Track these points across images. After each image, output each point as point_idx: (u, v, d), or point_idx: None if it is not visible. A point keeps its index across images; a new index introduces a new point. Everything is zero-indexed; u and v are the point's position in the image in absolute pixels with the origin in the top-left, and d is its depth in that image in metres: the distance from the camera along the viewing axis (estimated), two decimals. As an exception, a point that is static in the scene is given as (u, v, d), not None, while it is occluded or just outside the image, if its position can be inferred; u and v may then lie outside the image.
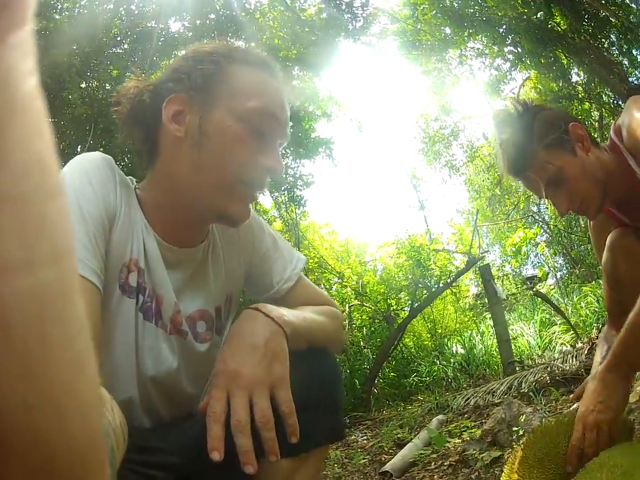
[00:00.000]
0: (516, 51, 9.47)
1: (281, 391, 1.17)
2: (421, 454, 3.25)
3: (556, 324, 6.95)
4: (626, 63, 8.99)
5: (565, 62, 9.13)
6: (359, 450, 3.88)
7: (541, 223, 14.09)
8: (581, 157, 1.82)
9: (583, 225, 11.70)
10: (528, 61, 9.24)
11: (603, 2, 7.59)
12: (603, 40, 8.63)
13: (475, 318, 11.04)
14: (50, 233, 0.34)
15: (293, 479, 1.39)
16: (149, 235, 1.31)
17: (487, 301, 6.74)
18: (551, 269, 12.46)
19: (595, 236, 2.18)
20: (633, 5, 7.92)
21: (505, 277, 14.50)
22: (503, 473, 1.63)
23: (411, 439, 3.77)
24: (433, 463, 3.12)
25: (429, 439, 3.55)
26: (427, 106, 16.14)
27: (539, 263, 15.01)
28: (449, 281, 7.86)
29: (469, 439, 3.34)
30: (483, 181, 15.94)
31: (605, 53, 8.55)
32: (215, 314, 1.44)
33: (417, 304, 7.60)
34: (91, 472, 0.38)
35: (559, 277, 12.50)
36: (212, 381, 1.16)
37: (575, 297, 8.28)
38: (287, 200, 8.25)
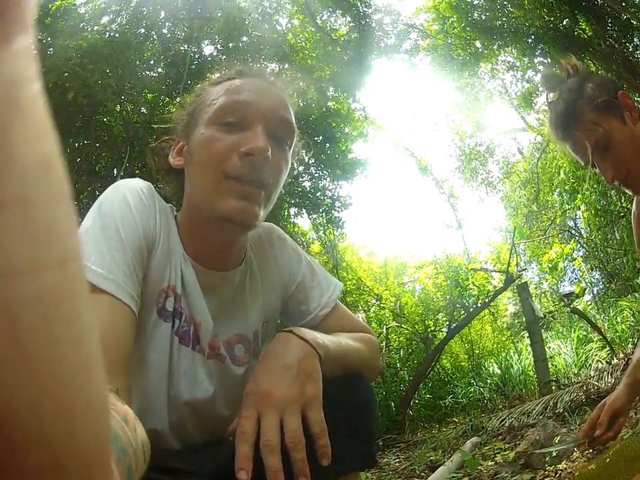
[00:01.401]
0: (546, 61, 9.39)
1: (313, 411, 1.15)
2: (453, 477, 3.22)
3: (592, 341, 6.82)
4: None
5: (593, 69, 9.05)
6: (391, 472, 3.85)
7: (577, 237, 13.88)
8: (629, 126, 1.78)
9: (618, 238, 11.49)
10: (558, 71, 9.15)
11: (624, 4, 7.52)
12: (627, 44, 8.55)
13: (512, 337, 10.90)
14: (56, 235, 0.34)
15: None
16: (185, 261, 1.33)
17: (524, 319, 6.64)
18: (588, 284, 12.24)
19: (638, 229, 2.13)
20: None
21: (542, 295, 14.30)
22: None
23: (444, 462, 3.72)
24: (464, 487, 3.08)
25: (462, 462, 3.51)
26: (462, 123, 16.15)
27: (575, 278, 14.77)
28: (486, 300, 7.78)
29: (502, 461, 3.31)
30: (520, 197, 15.75)
31: (630, 57, 8.45)
32: (252, 338, 1.44)
33: (454, 324, 7.53)
34: (96, 474, 0.39)
35: (595, 292, 12.27)
36: (243, 402, 1.15)
37: (611, 311, 8.12)
38: (324, 222, 8.26)
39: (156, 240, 1.28)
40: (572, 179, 11.26)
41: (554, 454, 2.88)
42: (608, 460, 1.63)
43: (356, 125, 9.18)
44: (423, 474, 3.66)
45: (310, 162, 7.48)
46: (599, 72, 8.45)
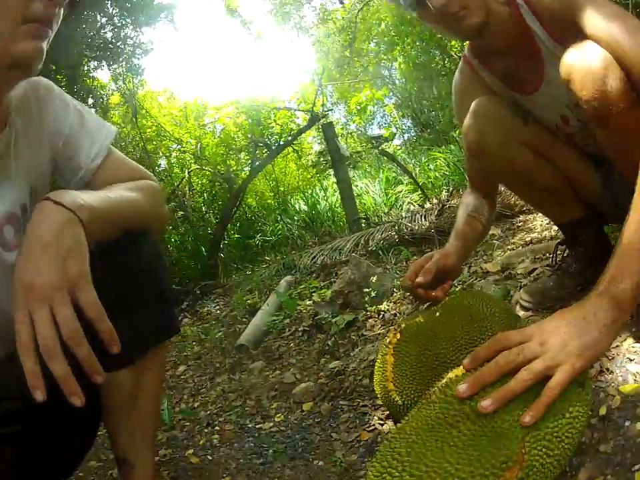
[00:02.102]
0: None
1: (82, 293, 1.01)
2: (274, 320, 3.26)
3: (402, 183, 7.09)
4: None
5: None
6: (213, 322, 3.86)
7: (390, 86, 14.24)
8: None
9: (435, 94, 11.92)
10: None
11: None
12: None
13: (318, 175, 11.17)
14: None
15: (140, 384, 1.34)
16: None
17: (330, 158, 6.72)
18: (399, 130, 12.71)
19: (460, 99, 2.10)
20: None
21: (349, 135, 14.70)
22: (376, 370, 1.63)
23: (262, 305, 3.76)
24: (287, 329, 3.14)
25: (280, 303, 3.54)
26: None
27: (385, 123, 15.33)
28: (289, 138, 7.73)
29: (319, 300, 3.37)
30: (334, 43, 15.71)
31: None
32: (21, 213, 1.24)
33: (257, 163, 7.43)
34: None
35: (406, 138, 12.80)
36: (12, 302, 0.98)
37: (423, 159, 8.47)
38: (124, 71, 7.66)
39: None
40: (393, 32, 11.35)
41: (373, 294, 2.97)
42: (438, 314, 1.65)
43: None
44: (244, 319, 3.68)
45: (113, 12, 6.87)
46: None
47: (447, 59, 11.33)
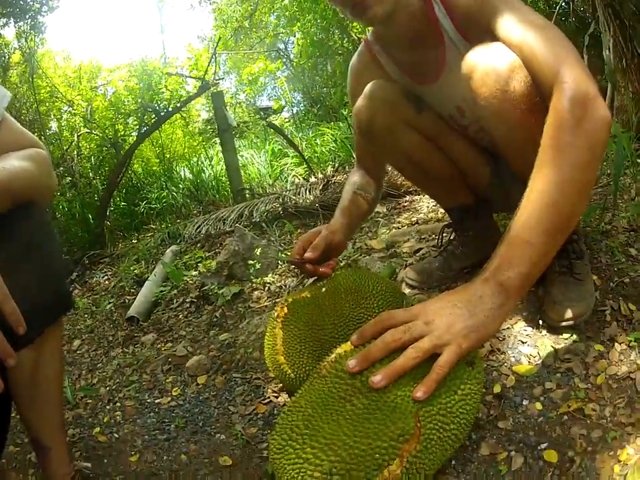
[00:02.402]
0: None
1: None
2: (162, 291, 3.26)
3: (288, 156, 7.06)
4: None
5: None
6: (103, 293, 3.80)
7: (284, 59, 14.13)
8: None
9: (330, 71, 11.95)
10: None
11: None
12: None
13: (204, 143, 11.01)
14: None
15: (41, 365, 1.37)
16: None
17: (217, 127, 6.66)
18: (288, 103, 12.67)
19: (355, 81, 2.12)
20: None
21: (238, 105, 14.52)
22: (266, 343, 1.71)
23: (149, 275, 3.74)
24: (175, 301, 3.16)
25: (166, 274, 3.53)
26: None
27: (275, 95, 15.23)
28: (178, 105, 7.58)
29: (205, 271, 3.39)
30: (234, 12, 15.37)
31: None
32: None
33: (144, 128, 7.20)
34: None
35: (295, 112, 12.76)
36: None
37: (310, 133, 8.46)
38: (28, 28, 7.29)
39: None
40: (295, 7, 11.25)
41: (257, 266, 3.03)
42: (324, 289, 1.71)
43: None
44: (132, 290, 3.67)
45: None
46: None
47: (346, 39, 11.42)
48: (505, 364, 1.59)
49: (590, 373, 1.46)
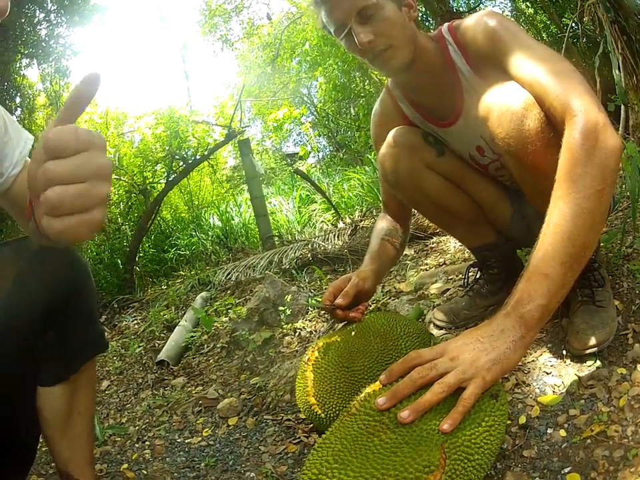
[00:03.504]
0: None
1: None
2: (192, 337, 3.29)
3: (316, 202, 7.11)
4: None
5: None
6: (132, 337, 3.85)
7: (308, 104, 14.33)
8: (404, 16, 1.78)
9: (353, 114, 12.10)
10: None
11: None
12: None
13: (232, 190, 11.16)
14: None
15: (74, 401, 1.40)
16: None
17: (244, 174, 6.75)
18: (314, 148, 12.84)
19: (378, 128, 2.18)
20: None
21: (264, 152, 14.73)
22: (297, 388, 1.74)
23: (179, 320, 3.80)
24: (205, 346, 3.19)
25: (197, 320, 3.59)
26: None
27: (301, 141, 15.42)
28: (206, 153, 7.73)
29: (235, 317, 3.41)
30: (256, 58, 15.74)
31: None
32: None
33: (173, 176, 7.40)
34: None
35: (321, 157, 12.90)
36: None
37: (337, 178, 8.53)
38: (52, 71, 7.51)
39: None
40: (316, 52, 11.43)
41: (288, 312, 3.06)
42: (354, 333, 1.75)
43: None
44: (162, 335, 3.72)
45: (51, 8, 6.72)
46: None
47: (367, 81, 11.57)
48: (530, 395, 1.60)
49: (613, 396, 1.47)
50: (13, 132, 1.44)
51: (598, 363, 1.61)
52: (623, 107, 3.79)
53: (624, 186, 2.90)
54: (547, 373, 1.67)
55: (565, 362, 1.69)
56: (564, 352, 1.72)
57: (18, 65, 6.98)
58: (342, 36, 1.78)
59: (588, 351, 1.63)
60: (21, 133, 1.48)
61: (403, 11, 1.78)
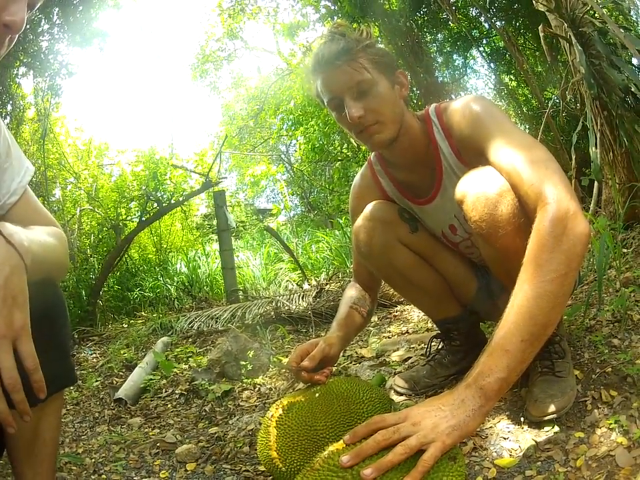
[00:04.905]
0: (332, 8, 9.14)
1: (24, 344, 1.10)
2: (151, 379, 3.30)
3: (283, 260, 7.22)
4: (439, 59, 9.36)
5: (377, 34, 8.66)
6: (90, 370, 3.84)
7: (285, 162, 14.54)
8: (395, 94, 1.89)
9: (328, 177, 12.30)
10: (340, 21, 8.93)
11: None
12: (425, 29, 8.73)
13: (201, 238, 11.19)
14: None
15: (39, 428, 1.44)
16: None
17: (215, 224, 6.82)
18: (285, 207, 13.00)
19: (356, 199, 2.28)
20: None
21: (237, 204, 14.84)
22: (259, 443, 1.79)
23: (138, 361, 3.82)
24: (164, 390, 3.20)
25: (156, 363, 3.61)
26: (216, 25, 15.78)
27: (274, 199, 15.60)
28: (180, 199, 7.79)
29: (195, 366, 3.46)
30: (241, 109, 15.99)
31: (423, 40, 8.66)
32: None
33: (145, 217, 7.39)
34: None
35: (292, 215, 13.03)
36: None
37: (306, 239, 8.68)
38: (46, 87, 7.58)
39: None
40: (300, 111, 11.65)
41: (249, 367, 3.12)
42: (317, 395, 1.80)
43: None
44: (121, 373, 3.72)
45: (56, 21, 6.86)
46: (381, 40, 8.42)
47: (345, 145, 11.82)
48: (487, 458, 1.66)
49: (570, 457, 1.53)
50: (15, 159, 1.48)
51: (556, 428, 1.69)
52: (595, 184, 3.95)
53: (591, 259, 3.01)
54: (505, 438, 1.75)
55: (522, 428, 1.77)
56: (522, 419, 1.80)
57: (15, 72, 7.02)
58: (334, 107, 1.89)
59: (546, 418, 1.72)
60: (22, 162, 1.51)
61: (395, 88, 1.91)
